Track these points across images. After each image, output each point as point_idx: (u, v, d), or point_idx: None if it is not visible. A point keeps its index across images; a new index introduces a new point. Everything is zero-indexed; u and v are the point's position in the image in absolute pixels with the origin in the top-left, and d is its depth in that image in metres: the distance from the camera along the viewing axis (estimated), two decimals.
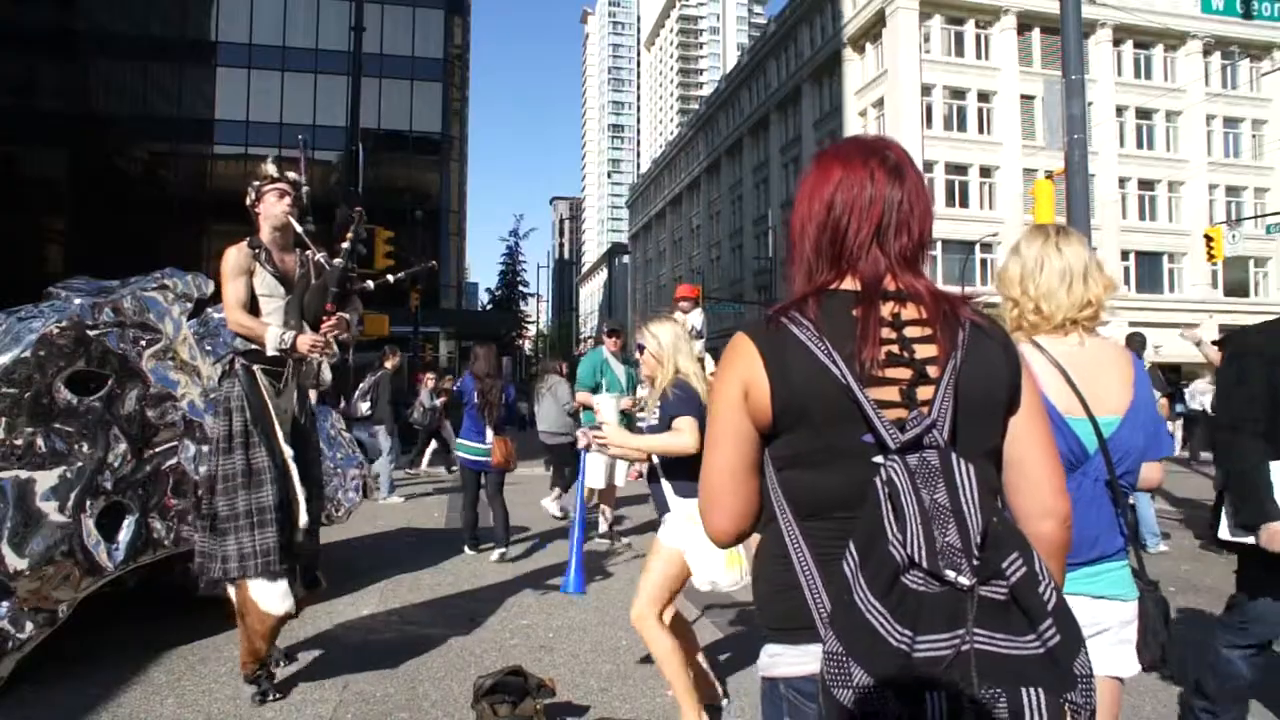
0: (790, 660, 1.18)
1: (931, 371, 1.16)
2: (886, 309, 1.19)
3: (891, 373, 1.15)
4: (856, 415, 1.13)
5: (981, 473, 1.08)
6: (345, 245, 3.65)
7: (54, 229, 34.65)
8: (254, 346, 3.43)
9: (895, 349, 1.17)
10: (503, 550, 6.34)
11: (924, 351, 1.17)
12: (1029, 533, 1.15)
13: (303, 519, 3.43)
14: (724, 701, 3.34)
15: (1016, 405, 1.23)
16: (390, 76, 34.49)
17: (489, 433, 6.54)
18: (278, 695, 3.41)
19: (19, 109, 32.08)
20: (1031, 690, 0.94)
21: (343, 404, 9.95)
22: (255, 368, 3.43)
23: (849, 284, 1.24)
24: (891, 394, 1.15)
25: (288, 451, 3.45)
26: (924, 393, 1.15)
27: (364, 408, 9.75)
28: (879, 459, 1.10)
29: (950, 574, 0.99)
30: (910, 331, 1.18)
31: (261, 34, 35.56)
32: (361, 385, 10.08)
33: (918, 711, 0.95)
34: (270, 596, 3.29)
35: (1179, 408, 15.74)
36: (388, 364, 10.05)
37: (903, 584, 1.00)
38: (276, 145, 33.28)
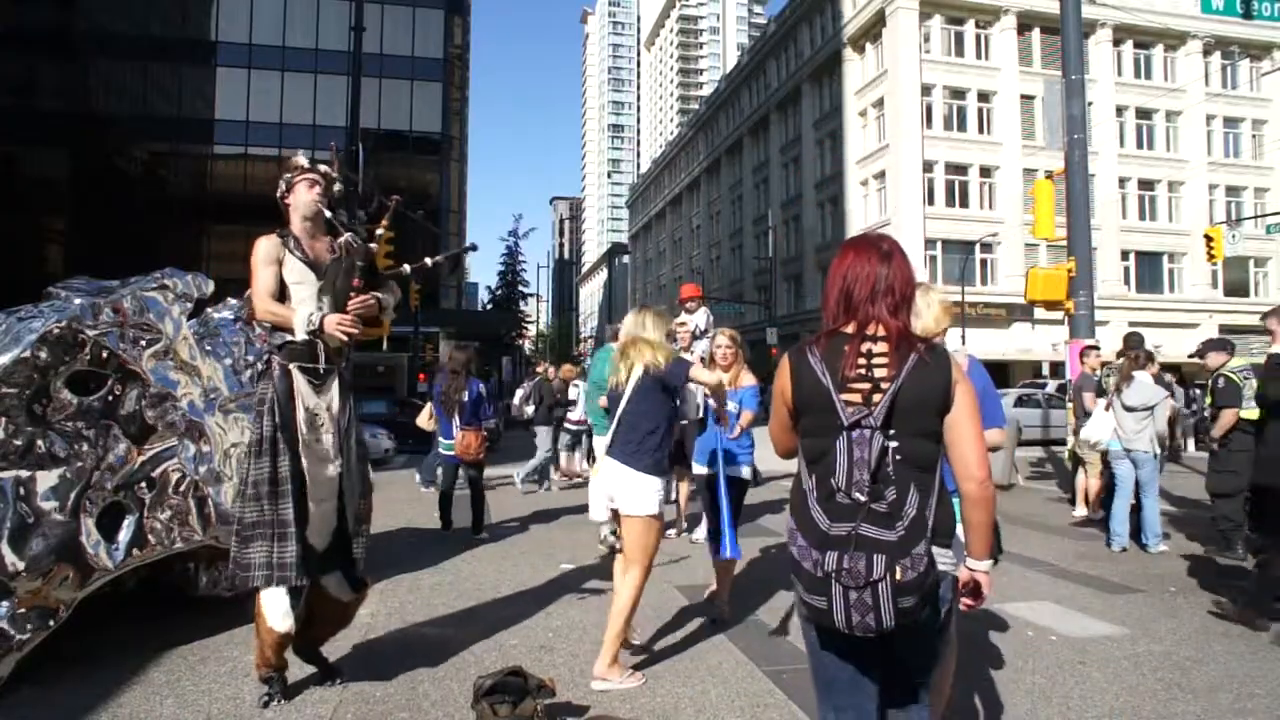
0: None
1: (884, 385, 1.93)
2: (865, 346, 1.98)
3: (858, 385, 1.95)
4: (834, 408, 1.95)
5: (906, 446, 1.92)
6: (380, 232, 3.68)
7: (54, 229, 34.64)
8: (289, 341, 3.34)
9: (863, 371, 1.96)
10: (479, 534, 7.27)
11: (880, 373, 1.94)
12: (960, 488, 2.02)
13: (326, 529, 3.39)
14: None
15: (948, 408, 1.97)
16: (390, 76, 34.50)
17: (455, 427, 7.39)
18: (282, 700, 3.40)
19: (19, 109, 32.08)
20: (879, 555, 1.81)
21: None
22: (292, 367, 3.35)
23: (851, 328, 2.02)
24: (857, 398, 1.94)
25: (329, 454, 3.39)
26: (878, 398, 1.93)
27: (529, 410, 11.14)
28: (844, 435, 1.93)
29: (856, 494, 1.87)
30: (876, 360, 1.96)
31: (261, 34, 35.56)
32: (521, 391, 11.82)
33: (823, 560, 1.84)
34: (274, 612, 3.29)
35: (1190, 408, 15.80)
36: (539, 369, 11.88)
37: (835, 499, 1.89)
38: (276, 145, 33.39)
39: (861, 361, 1.95)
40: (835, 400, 1.93)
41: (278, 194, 3.55)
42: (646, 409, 3.60)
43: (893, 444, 1.90)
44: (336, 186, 3.66)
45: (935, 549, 1.93)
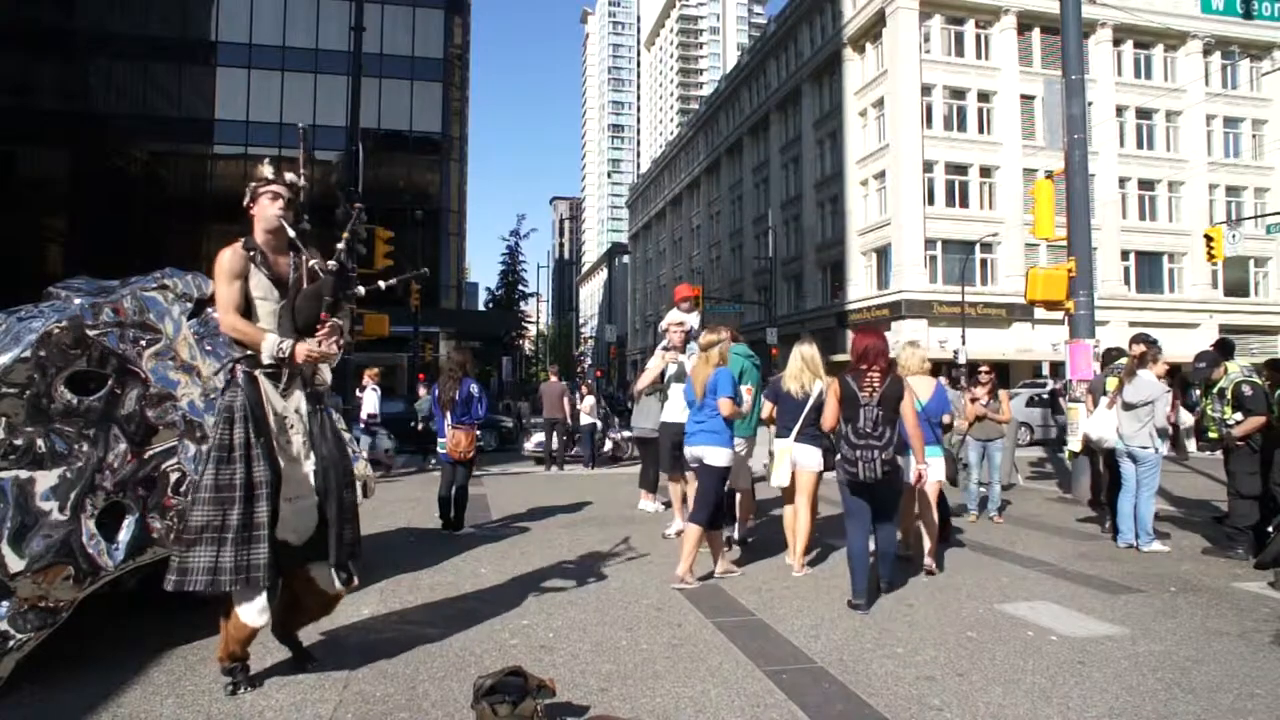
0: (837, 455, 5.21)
1: (877, 389, 5.02)
2: (869, 375, 5.06)
3: (868, 390, 5.03)
4: (858, 398, 5.03)
5: (887, 413, 4.97)
6: (341, 246, 3.59)
7: (54, 229, 34.64)
8: (250, 352, 3.40)
9: (868, 384, 5.04)
10: (466, 530, 7.59)
11: (876, 385, 5.03)
12: (906, 430, 5.20)
13: (304, 524, 3.44)
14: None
15: (900, 399, 5.09)
16: (390, 76, 34.52)
17: (447, 426, 7.66)
18: (248, 689, 3.43)
19: (19, 109, 32.09)
20: (878, 450, 4.89)
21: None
22: (257, 373, 3.40)
23: (864, 366, 5.09)
24: (867, 394, 5.02)
25: (301, 453, 3.47)
26: (875, 395, 5.01)
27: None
28: (862, 409, 5.04)
29: (869, 429, 4.95)
30: (875, 380, 5.04)
31: (261, 34, 35.57)
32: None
33: (855, 451, 4.93)
34: (250, 609, 3.31)
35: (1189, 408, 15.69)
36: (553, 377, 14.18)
37: (860, 432, 4.97)
38: (276, 145, 33.35)
39: (868, 381, 4.93)
40: (859, 395, 4.89)
41: (244, 202, 3.55)
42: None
43: (880, 412, 4.86)
44: (301, 183, 3.60)
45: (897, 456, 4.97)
